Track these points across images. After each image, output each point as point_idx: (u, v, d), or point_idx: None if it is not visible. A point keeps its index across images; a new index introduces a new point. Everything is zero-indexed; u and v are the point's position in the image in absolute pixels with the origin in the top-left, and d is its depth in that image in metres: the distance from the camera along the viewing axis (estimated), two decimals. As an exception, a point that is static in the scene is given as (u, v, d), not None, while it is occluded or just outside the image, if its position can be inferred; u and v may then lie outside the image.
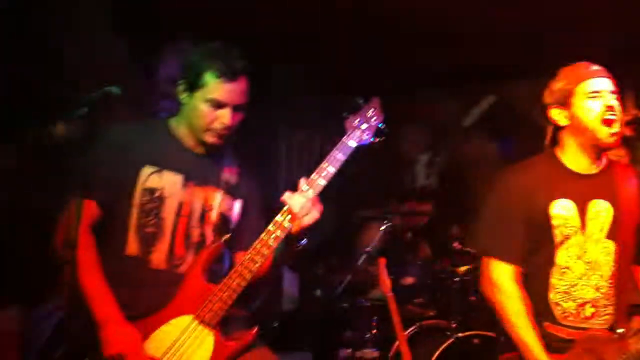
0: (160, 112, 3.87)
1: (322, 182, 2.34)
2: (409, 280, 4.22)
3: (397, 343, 3.73)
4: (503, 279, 2.42)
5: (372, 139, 2.44)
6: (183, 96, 2.46)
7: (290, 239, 2.38)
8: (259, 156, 4.99)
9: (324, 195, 2.37)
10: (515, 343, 2.37)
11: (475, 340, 3.76)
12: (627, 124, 3.21)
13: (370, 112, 2.45)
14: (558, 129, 2.50)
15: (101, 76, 3.56)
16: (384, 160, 5.98)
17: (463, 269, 4.07)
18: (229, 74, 2.37)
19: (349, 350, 4.02)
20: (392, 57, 5.26)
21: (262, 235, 2.35)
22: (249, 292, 2.38)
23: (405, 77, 5.50)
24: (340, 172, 2.37)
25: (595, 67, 2.45)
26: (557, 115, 2.46)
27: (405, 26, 4.70)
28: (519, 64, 5.08)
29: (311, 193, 2.33)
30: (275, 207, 2.38)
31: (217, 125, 2.41)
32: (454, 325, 3.94)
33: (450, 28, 4.67)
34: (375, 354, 3.98)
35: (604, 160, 2.51)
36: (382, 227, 4.27)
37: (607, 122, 2.39)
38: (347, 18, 4.56)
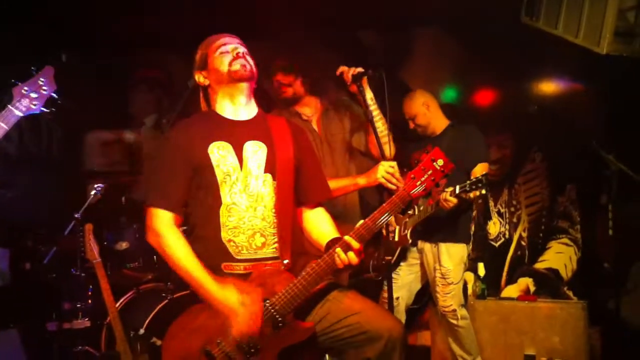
0: None
1: None
2: (124, 245, 4.11)
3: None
4: (163, 226, 2.52)
5: (41, 109, 2.41)
6: None
7: None
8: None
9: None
10: (189, 283, 2.50)
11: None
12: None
13: (41, 81, 2.42)
14: (206, 90, 2.74)
15: None
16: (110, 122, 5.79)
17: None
18: None
19: (57, 323, 3.83)
20: (109, 17, 5.03)
21: None
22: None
23: (127, 38, 5.30)
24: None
25: (224, 35, 2.75)
26: (202, 79, 2.72)
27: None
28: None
29: None
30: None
31: None
32: (171, 287, 3.94)
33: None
34: (87, 323, 3.84)
35: (256, 110, 2.76)
36: (93, 192, 4.10)
37: (235, 58, 2.65)
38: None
